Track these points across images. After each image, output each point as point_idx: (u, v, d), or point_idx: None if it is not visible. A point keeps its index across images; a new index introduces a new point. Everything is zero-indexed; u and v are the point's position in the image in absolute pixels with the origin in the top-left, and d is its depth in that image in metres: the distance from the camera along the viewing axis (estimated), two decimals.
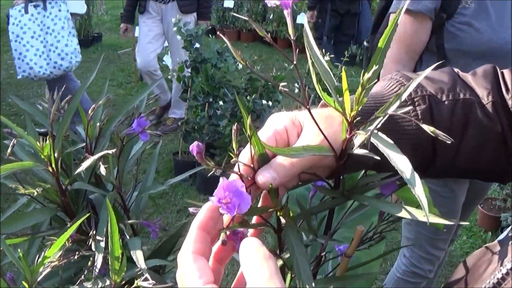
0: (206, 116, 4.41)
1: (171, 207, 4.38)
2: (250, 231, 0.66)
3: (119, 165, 0.97)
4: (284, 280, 0.71)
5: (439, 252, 2.60)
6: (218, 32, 0.74)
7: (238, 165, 0.61)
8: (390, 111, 0.61)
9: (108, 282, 0.83)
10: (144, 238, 1.02)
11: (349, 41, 7.43)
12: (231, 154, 0.60)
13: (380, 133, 0.61)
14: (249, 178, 0.64)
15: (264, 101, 4.20)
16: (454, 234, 2.75)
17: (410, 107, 0.73)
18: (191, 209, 0.63)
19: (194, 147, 0.58)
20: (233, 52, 0.63)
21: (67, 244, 0.85)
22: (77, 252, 0.86)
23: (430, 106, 0.75)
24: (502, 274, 0.68)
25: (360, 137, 0.63)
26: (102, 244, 0.86)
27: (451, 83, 0.79)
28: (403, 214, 0.61)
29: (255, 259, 0.50)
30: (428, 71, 0.62)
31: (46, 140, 0.85)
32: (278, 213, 0.65)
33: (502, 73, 0.82)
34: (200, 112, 4.47)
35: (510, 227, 2.71)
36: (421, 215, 0.59)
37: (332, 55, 3.71)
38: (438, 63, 0.68)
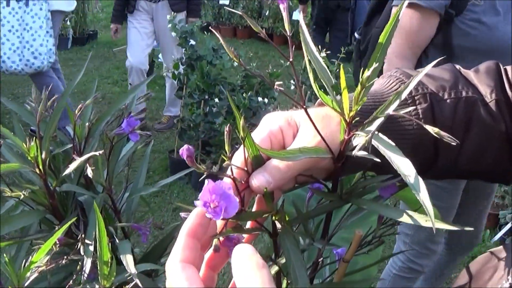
0: (202, 113, 4.38)
1: (167, 206, 4.36)
2: (245, 236, 0.63)
3: (109, 166, 0.94)
4: (280, 286, 0.69)
5: (436, 246, 2.60)
6: (212, 28, 0.71)
7: (231, 168, 0.58)
8: (390, 110, 0.58)
9: (97, 287, 0.80)
10: (138, 238, 0.99)
11: (346, 37, 7.38)
12: (223, 156, 0.58)
13: (380, 134, 0.58)
14: (243, 182, 0.61)
15: (260, 98, 4.17)
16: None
17: (412, 107, 0.70)
18: (182, 214, 0.60)
19: (184, 150, 0.55)
20: (226, 49, 0.60)
21: (55, 249, 0.82)
22: (65, 257, 0.83)
23: (431, 105, 0.72)
24: (510, 284, 0.65)
25: (359, 138, 0.60)
26: (91, 248, 0.83)
27: (453, 81, 0.76)
28: (404, 218, 0.58)
29: (248, 267, 0.47)
30: (428, 67, 0.59)
31: (32, 141, 0.82)
32: (274, 218, 0.62)
33: (506, 70, 0.79)
34: (195, 110, 4.44)
35: (508, 225, 2.73)
36: (423, 220, 0.56)
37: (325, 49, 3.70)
38: (439, 59, 0.64)
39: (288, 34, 0.58)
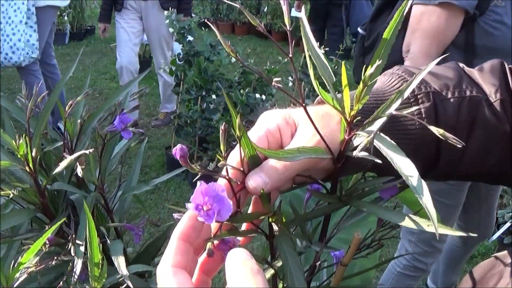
0: (199, 110, 4.36)
1: (163, 202, 4.34)
2: (240, 238, 0.61)
3: (101, 164, 0.91)
4: None
5: (442, 245, 2.62)
6: (209, 23, 0.68)
7: (227, 168, 0.56)
8: (392, 109, 0.56)
9: None
10: (132, 237, 0.97)
11: (342, 33, 7.34)
12: (218, 156, 0.55)
13: (382, 134, 0.56)
14: (239, 183, 0.59)
15: (257, 95, 4.15)
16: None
17: (416, 107, 0.67)
18: (175, 215, 0.58)
19: (177, 150, 0.53)
20: (223, 44, 0.57)
21: (44, 249, 0.80)
22: (55, 258, 0.80)
23: (434, 104, 0.70)
24: None
25: (360, 138, 0.58)
26: (82, 248, 0.80)
27: (456, 79, 0.73)
28: (405, 222, 0.56)
29: (242, 273, 0.45)
30: (432, 65, 0.57)
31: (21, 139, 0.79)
32: (270, 219, 0.60)
33: (510, 69, 0.77)
34: (192, 106, 4.42)
35: (507, 224, 2.71)
36: (425, 224, 0.54)
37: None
38: (442, 57, 0.62)
39: (288, 28, 0.56)
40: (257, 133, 0.62)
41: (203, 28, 5.29)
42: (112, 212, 0.97)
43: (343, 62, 0.56)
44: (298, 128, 0.64)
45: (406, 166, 0.52)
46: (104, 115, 0.94)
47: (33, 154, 0.83)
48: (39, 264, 0.78)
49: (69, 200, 0.92)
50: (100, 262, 0.72)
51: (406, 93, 0.56)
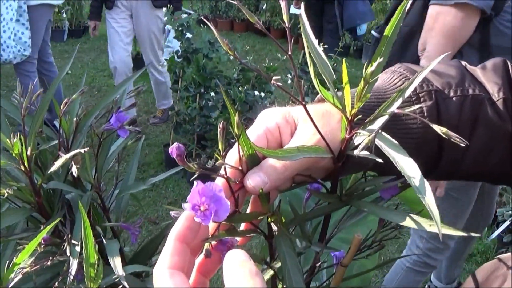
0: (198, 107, 4.35)
1: (162, 200, 4.33)
2: (239, 238, 0.60)
3: (98, 163, 0.90)
4: None
5: (452, 242, 2.66)
6: (208, 21, 0.67)
7: (225, 167, 0.55)
8: (394, 108, 0.55)
9: None
10: (129, 235, 0.96)
11: (337, 29, 7.30)
12: (217, 155, 0.54)
13: (383, 133, 0.54)
14: (237, 182, 0.58)
15: (256, 92, 4.14)
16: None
17: (418, 106, 0.66)
18: (172, 213, 0.57)
19: (173, 149, 0.52)
20: (220, 41, 0.56)
21: (39, 249, 0.78)
22: (51, 258, 0.79)
23: (436, 103, 0.68)
24: None
25: (360, 137, 0.56)
26: (78, 248, 0.79)
27: (459, 78, 0.72)
28: (407, 223, 0.55)
29: (240, 275, 0.44)
30: (434, 63, 0.55)
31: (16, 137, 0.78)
32: (269, 219, 0.59)
33: None
34: (191, 103, 4.41)
35: (506, 222, 2.72)
36: (427, 224, 0.53)
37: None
38: (445, 54, 0.61)
39: (287, 25, 0.54)
40: (256, 132, 0.61)
41: (201, 25, 5.27)
42: (109, 211, 0.96)
43: (343, 60, 0.55)
44: (297, 126, 0.63)
45: (408, 166, 0.51)
46: (100, 113, 0.92)
47: (28, 152, 0.82)
48: (34, 265, 0.77)
49: (65, 199, 0.91)
50: (96, 262, 0.71)
51: (408, 92, 0.55)
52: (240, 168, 0.58)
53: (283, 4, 0.57)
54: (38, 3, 4.54)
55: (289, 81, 4.69)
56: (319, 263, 0.69)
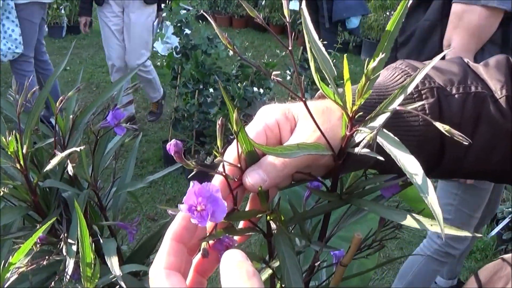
0: (196, 103, 4.34)
1: (161, 196, 4.32)
2: (237, 237, 0.59)
3: (94, 161, 0.89)
4: None
5: (471, 229, 2.65)
6: (207, 16, 0.66)
7: (223, 164, 0.54)
8: (395, 105, 0.54)
9: None
10: (126, 233, 0.95)
11: (330, 23, 7.25)
12: (215, 152, 0.53)
13: (385, 130, 0.53)
14: (236, 179, 0.57)
15: (255, 89, 4.14)
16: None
17: (420, 103, 0.65)
18: (170, 211, 0.56)
19: (171, 146, 0.50)
20: (220, 36, 0.55)
21: (35, 249, 0.77)
22: (47, 257, 0.78)
23: (438, 100, 0.67)
24: None
25: (361, 134, 0.55)
26: (74, 248, 0.78)
27: (461, 75, 0.71)
28: (408, 222, 0.54)
29: (237, 275, 0.43)
30: (436, 60, 0.55)
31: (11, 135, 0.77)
32: (268, 217, 0.58)
33: None
34: (190, 100, 4.40)
35: (506, 219, 2.73)
36: (429, 224, 0.52)
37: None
38: (445, 52, 0.60)
39: (288, 20, 0.53)
40: (255, 128, 0.60)
41: (200, 21, 5.25)
42: (106, 209, 0.95)
43: (345, 56, 0.54)
44: (297, 123, 0.62)
45: (410, 164, 0.50)
46: (97, 110, 0.91)
47: (24, 150, 0.81)
48: (30, 264, 0.76)
49: (61, 198, 0.90)
50: (93, 262, 0.70)
51: (410, 88, 0.54)
52: (239, 165, 0.57)
53: None
54: (27, 1, 4.50)
55: (288, 77, 4.68)
56: (319, 262, 0.68)
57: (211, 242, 0.53)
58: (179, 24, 4.41)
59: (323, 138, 0.58)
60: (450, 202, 2.58)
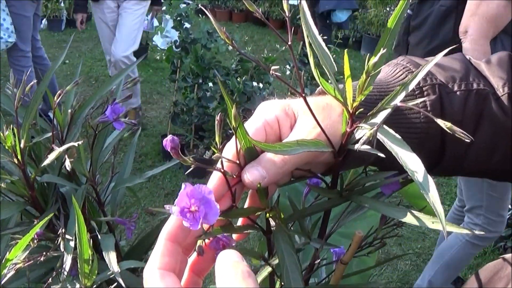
0: (196, 97, 4.33)
1: (159, 191, 4.31)
2: (235, 236, 0.58)
3: (93, 156, 0.88)
4: (274, 287, 0.64)
5: (506, 213, 2.74)
6: (206, 10, 0.65)
7: (222, 161, 0.53)
8: (396, 101, 0.53)
9: (78, 286, 0.75)
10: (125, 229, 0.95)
11: (321, 17, 7.22)
12: (213, 148, 0.52)
13: (385, 127, 0.53)
14: (234, 176, 0.56)
15: (255, 83, 4.12)
16: None
17: (421, 99, 0.64)
18: (167, 206, 0.55)
19: (168, 142, 0.50)
20: (218, 30, 0.54)
21: (32, 245, 0.77)
22: (44, 253, 0.78)
23: (440, 97, 0.67)
24: None
25: (362, 131, 0.55)
26: (72, 243, 0.78)
27: (463, 71, 0.70)
28: (409, 219, 0.53)
29: (232, 276, 0.42)
30: (439, 57, 0.54)
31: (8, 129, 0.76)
32: (267, 215, 0.58)
33: None
34: (189, 94, 4.39)
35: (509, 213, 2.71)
36: (430, 221, 0.52)
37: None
38: (449, 48, 0.59)
39: (287, 14, 0.53)
40: (254, 125, 0.59)
41: (200, 15, 5.24)
42: (104, 204, 0.94)
43: (345, 51, 0.53)
44: (297, 119, 0.61)
45: (411, 161, 0.50)
46: (96, 104, 0.91)
47: (22, 145, 0.80)
48: (27, 260, 0.75)
49: (59, 193, 0.89)
50: (91, 258, 0.70)
51: (412, 85, 0.54)
52: (238, 162, 0.56)
53: None
54: None
55: (288, 72, 4.67)
56: (319, 260, 0.68)
57: (207, 240, 0.53)
58: (178, 18, 4.39)
59: (323, 135, 0.57)
60: (479, 189, 2.65)
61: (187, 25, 4.39)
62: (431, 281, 2.93)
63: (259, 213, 0.58)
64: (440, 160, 0.68)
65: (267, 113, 0.61)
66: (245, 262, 0.44)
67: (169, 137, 0.50)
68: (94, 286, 0.73)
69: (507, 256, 0.70)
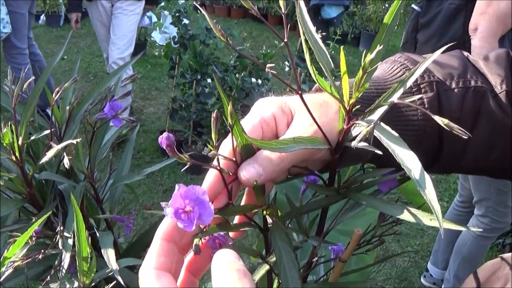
0: (194, 94, 4.32)
1: (158, 187, 4.31)
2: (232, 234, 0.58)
3: (91, 153, 0.88)
4: (271, 286, 0.64)
5: None
6: (204, 7, 0.65)
7: (218, 158, 0.53)
8: (394, 98, 0.53)
9: (76, 284, 0.75)
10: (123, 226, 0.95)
11: (312, 12, 7.20)
12: (209, 146, 0.52)
13: (383, 124, 0.53)
14: (231, 174, 0.56)
15: (253, 79, 4.11)
16: None
17: (419, 96, 0.64)
18: (163, 204, 0.55)
19: (163, 139, 0.49)
20: (213, 28, 0.54)
21: (31, 242, 0.77)
22: (42, 251, 0.78)
23: (438, 94, 0.66)
24: None
25: (359, 128, 0.55)
26: (70, 241, 0.78)
27: (461, 69, 0.70)
28: (406, 216, 0.53)
29: (228, 275, 0.42)
30: (436, 54, 0.54)
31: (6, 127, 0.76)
32: (264, 212, 0.57)
33: None
34: (187, 90, 4.39)
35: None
36: (427, 218, 0.52)
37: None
38: (447, 46, 0.59)
39: (284, 11, 0.52)
40: (251, 122, 0.59)
41: (198, 11, 5.22)
42: (103, 202, 0.94)
43: (341, 47, 0.53)
44: (294, 117, 0.61)
45: (408, 158, 0.49)
46: (94, 101, 0.90)
47: (20, 142, 0.80)
48: (25, 258, 0.75)
49: (57, 190, 0.89)
50: (89, 255, 0.70)
51: (409, 82, 0.53)
52: (234, 159, 0.56)
53: None
54: None
55: (287, 69, 4.67)
56: (316, 258, 0.68)
57: (203, 239, 0.53)
58: (177, 14, 4.38)
59: (320, 132, 0.57)
60: (488, 183, 2.68)
61: (185, 21, 4.38)
62: (457, 275, 3.01)
63: (256, 210, 0.57)
64: (437, 158, 0.68)
65: (263, 110, 0.60)
66: (241, 261, 0.44)
67: (165, 134, 0.50)
68: (93, 284, 0.73)
69: (506, 255, 0.70)
